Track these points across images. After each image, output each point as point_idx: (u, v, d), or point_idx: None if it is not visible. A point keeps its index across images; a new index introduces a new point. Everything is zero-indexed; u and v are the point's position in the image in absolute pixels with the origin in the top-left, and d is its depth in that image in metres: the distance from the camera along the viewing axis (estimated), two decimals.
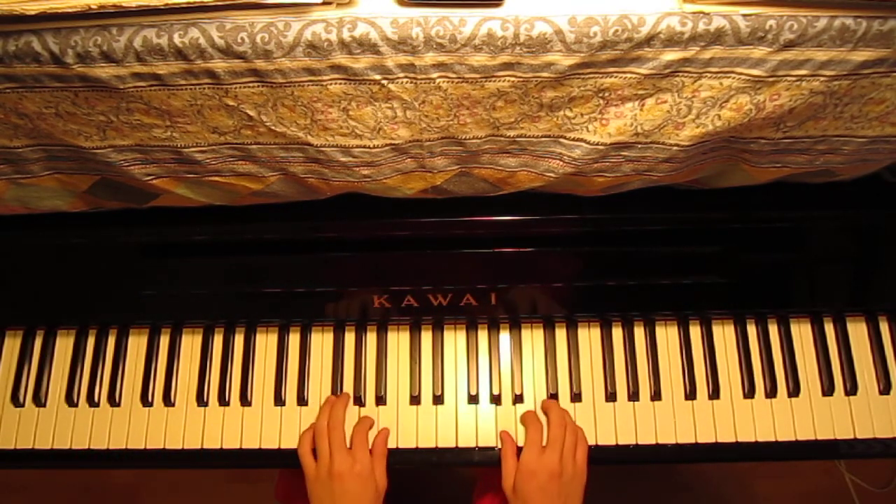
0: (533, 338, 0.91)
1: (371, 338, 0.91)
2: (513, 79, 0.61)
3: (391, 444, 0.86)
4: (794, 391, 0.87)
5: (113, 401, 0.89)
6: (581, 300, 0.89)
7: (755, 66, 0.60)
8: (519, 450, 0.84)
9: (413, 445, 0.86)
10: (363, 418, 0.87)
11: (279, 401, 0.89)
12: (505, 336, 0.91)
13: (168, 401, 0.89)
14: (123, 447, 0.87)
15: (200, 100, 0.63)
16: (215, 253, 0.89)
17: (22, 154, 0.71)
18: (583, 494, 0.81)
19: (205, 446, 0.87)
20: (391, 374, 0.90)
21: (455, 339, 0.91)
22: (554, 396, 0.88)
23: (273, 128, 0.66)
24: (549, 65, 0.59)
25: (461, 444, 0.86)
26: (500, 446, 0.86)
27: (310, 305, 0.90)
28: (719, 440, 0.85)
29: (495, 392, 0.88)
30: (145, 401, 0.89)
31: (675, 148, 0.67)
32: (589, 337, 0.90)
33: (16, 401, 0.90)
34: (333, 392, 0.88)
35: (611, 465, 0.85)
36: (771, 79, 0.60)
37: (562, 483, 0.79)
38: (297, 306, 0.90)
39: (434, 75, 0.60)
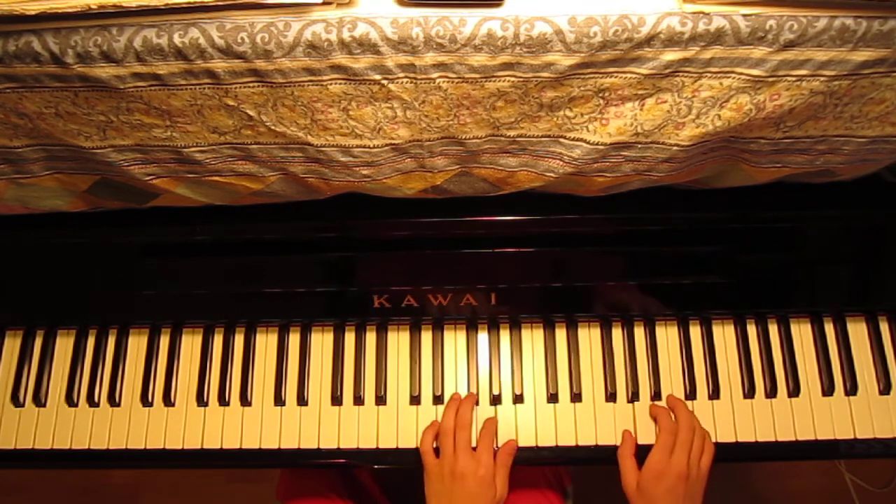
0: (533, 338, 0.91)
1: (371, 338, 0.91)
2: (513, 79, 0.61)
3: (391, 444, 0.86)
4: (794, 391, 0.87)
5: (113, 401, 0.89)
6: (581, 300, 0.89)
7: (755, 66, 0.60)
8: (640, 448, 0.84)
9: (413, 445, 0.86)
10: (488, 421, 0.86)
11: (279, 401, 0.89)
12: (505, 336, 0.91)
13: (168, 401, 0.89)
14: (123, 447, 0.87)
15: (200, 100, 0.63)
16: (215, 253, 0.89)
17: (22, 154, 0.71)
18: (703, 499, 0.81)
19: (205, 446, 0.87)
20: (391, 374, 0.89)
21: (455, 339, 0.91)
22: (554, 396, 0.88)
23: (273, 128, 0.66)
24: (549, 65, 0.59)
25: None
26: (618, 443, 0.85)
27: (310, 305, 0.90)
28: (719, 440, 0.85)
29: (495, 392, 0.88)
30: (145, 401, 0.89)
31: (675, 148, 0.67)
32: (589, 337, 0.90)
33: (16, 401, 0.90)
34: (334, 392, 0.88)
35: (611, 466, 0.85)
36: (771, 79, 0.60)
37: (688, 485, 0.78)
38: (297, 306, 0.90)
39: (434, 75, 0.60)
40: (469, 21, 0.58)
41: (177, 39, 0.57)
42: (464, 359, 0.90)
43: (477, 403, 0.88)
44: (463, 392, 0.89)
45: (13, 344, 0.93)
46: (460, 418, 0.84)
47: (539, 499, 0.95)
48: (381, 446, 0.87)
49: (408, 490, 0.88)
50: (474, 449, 0.83)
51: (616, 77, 0.61)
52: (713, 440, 0.85)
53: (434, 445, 0.84)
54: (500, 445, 0.85)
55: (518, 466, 0.97)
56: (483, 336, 0.91)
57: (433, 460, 0.83)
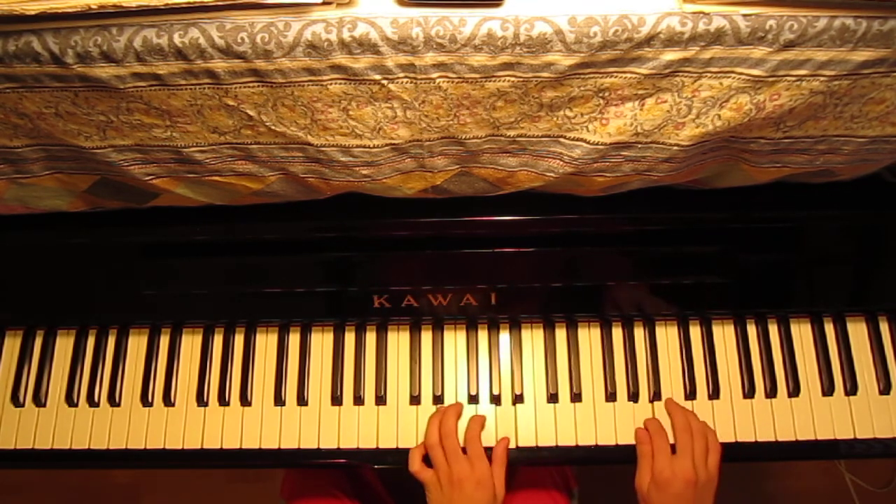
0: (533, 338, 0.91)
1: (371, 338, 0.91)
2: (513, 79, 0.61)
3: (391, 444, 0.86)
4: (794, 391, 0.87)
5: (113, 401, 0.89)
6: (581, 300, 0.89)
7: (755, 66, 0.60)
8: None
9: (414, 445, 0.86)
10: (473, 420, 0.85)
11: (279, 401, 0.89)
12: (505, 336, 0.91)
13: (168, 401, 0.89)
14: (123, 447, 0.88)
15: (200, 100, 0.63)
16: (215, 253, 0.89)
17: (22, 154, 0.71)
18: (713, 500, 0.80)
19: (205, 446, 0.87)
20: (391, 374, 0.90)
21: (455, 339, 0.91)
22: (554, 396, 0.88)
23: (273, 128, 0.66)
24: (549, 65, 0.59)
25: (461, 444, 0.86)
26: (635, 443, 0.85)
27: (310, 305, 0.90)
28: (719, 440, 0.85)
29: (495, 392, 0.88)
30: (145, 401, 0.89)
31: (675, 148, 0.67)
32: (589, 337, 0.90)
33: (16, 401, 0.90)
34: (334, 392, 0.88)
35: (611, 466, 0.85)
36: (771, 79, 0.60)
37: (697, 489, 0.77)
38: (297, 306, 0.90)
39: (434, 75, 0.60)
40: (469, 21, 0.58)
41: (177, 39, 0.57)
42: (464, 359, 0.90)
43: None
44: (463, 392, 0.89)
45: (13, 344, 0.93)
46: (444, 428, 0.83)
47: (545, 499, 0.95)
48: (381, 446, 0.87)
49: (413, 489, 0.88)
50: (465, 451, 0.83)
51: (616, 77, 0.61)
52: None
53: (422, 461, 0.84)
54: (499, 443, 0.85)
55: (523, 467, 0.97)
56: (483, 336, 0.91)
57: (428, 474, 0.82)
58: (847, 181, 0.82)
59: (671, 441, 0.82)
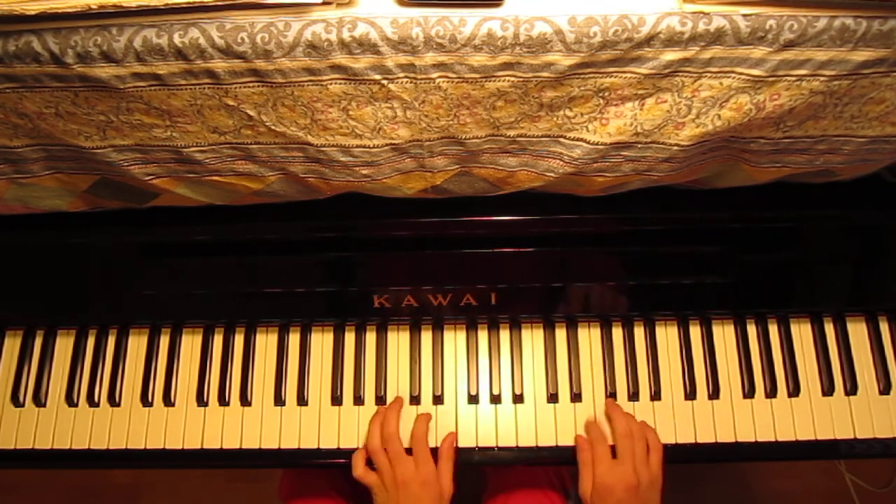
0: (533, 338, 0.91)
1: (371, 338, 0.91)
2: (513, 79, 0.61)
3: None
4: (794, 391, 0.87)
5: (113, 401, 0.89)
6: (580, 300, 0.89)
7: (755, 65, 0.60)
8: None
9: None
10: (419, 419, 0.85)
11: (279, 401, 0.89)
12: (505, 336, 0.91)
13: (168, 401, 0.89)
14: (123, 447, 0.87)
15: (200, 100, 0.63)
16: (215, 253, 0.89)
17: (22, 154, 0.71)
18: (660, 499, 0.79)
19: (205, 446, 0.87)
20: (391, 374, 0.89)
21: (455, 339, 0.91)
22: (554, 396, 0.88)
23: (273, 128, 0.66)
24: (549, 65, 0.59)
25: (461, 445, 0.86)
26: (573, 445, 0.85)
27: (310, 305, 0.90)
28: (719, 440, 0.85)
29: (495, 392, 0.88)
30: (145, 401, 0.89)
31: (675, 148, 0.68)
32: (589, 337, 0.90)
33: (16, 401, 0.90)
34: (334, 392, 0.88)
35: None
36: (771, 79, 0.60)
37: (639, 493, 0.77)
38: (297, 306, 0.90)
39: (434, 75, 0.60)
40: (469, 21, 0.58)
41: (177, 39, 0.57)
42: (464, 359, 0.90)
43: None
44: (463, 392, 0.89)
45: (13, 344, 0.93)
46: (386, 430, 0.83)
47: (541, 499, 0.95)
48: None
49: None
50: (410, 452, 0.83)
51: (616, 77, 0.61)
52: (713, 440, 0.85)
53: (365, 462, 0.83)
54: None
55: (520, 467, 0.97)
56: (483, 336, 0.91)
57: (372, 477, 0.81)
58: (847, 181, 0.82)
59: (611, 443, 0.82)
